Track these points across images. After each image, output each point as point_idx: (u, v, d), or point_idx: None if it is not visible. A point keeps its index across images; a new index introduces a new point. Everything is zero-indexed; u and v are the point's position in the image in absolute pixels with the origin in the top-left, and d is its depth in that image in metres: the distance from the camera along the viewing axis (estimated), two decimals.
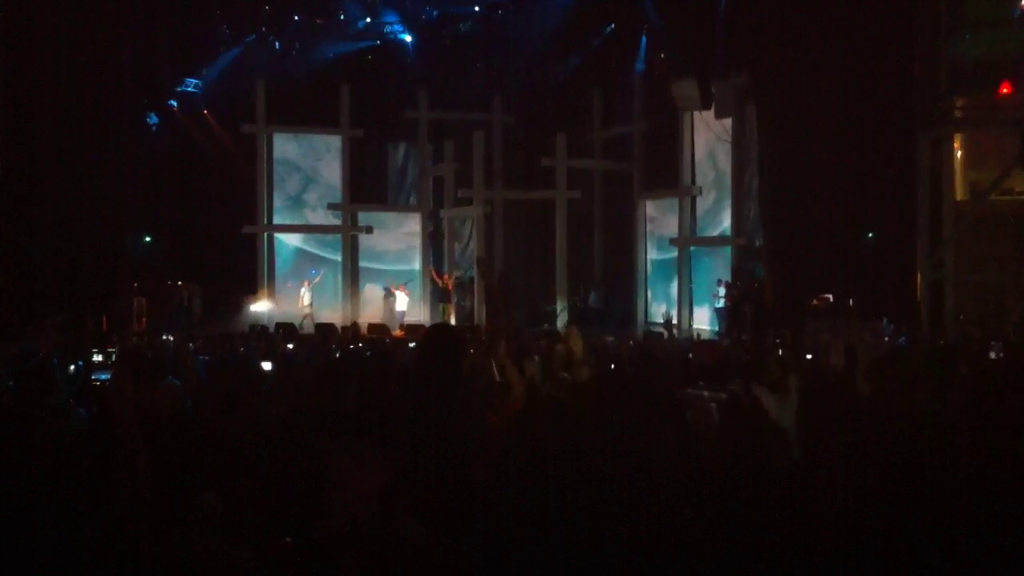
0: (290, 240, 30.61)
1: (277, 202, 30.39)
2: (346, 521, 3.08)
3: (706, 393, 7.07)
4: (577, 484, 3.98)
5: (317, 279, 29.20)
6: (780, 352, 13.66)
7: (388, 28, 31.32)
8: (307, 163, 30.67)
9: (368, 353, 14.56)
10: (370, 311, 29.11)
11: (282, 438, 5.27)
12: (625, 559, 3.42)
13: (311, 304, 28.30)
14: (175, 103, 29.91)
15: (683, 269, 27.79)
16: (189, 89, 30.04)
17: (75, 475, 4.22)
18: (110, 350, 10.15)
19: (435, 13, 30.76)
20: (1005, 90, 21.04)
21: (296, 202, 30.67)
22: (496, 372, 7.09)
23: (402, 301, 28.65)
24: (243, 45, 30.34)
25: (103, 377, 7.84)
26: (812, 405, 5.83)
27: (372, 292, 30.06)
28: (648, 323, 28.59)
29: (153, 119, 29.25)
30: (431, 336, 5.86)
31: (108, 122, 25.64)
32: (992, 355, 9.15)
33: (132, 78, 27.77)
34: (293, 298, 28.90)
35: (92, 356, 10.24)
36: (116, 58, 26.49)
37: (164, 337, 20.51)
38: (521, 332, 19.42)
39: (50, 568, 3.84)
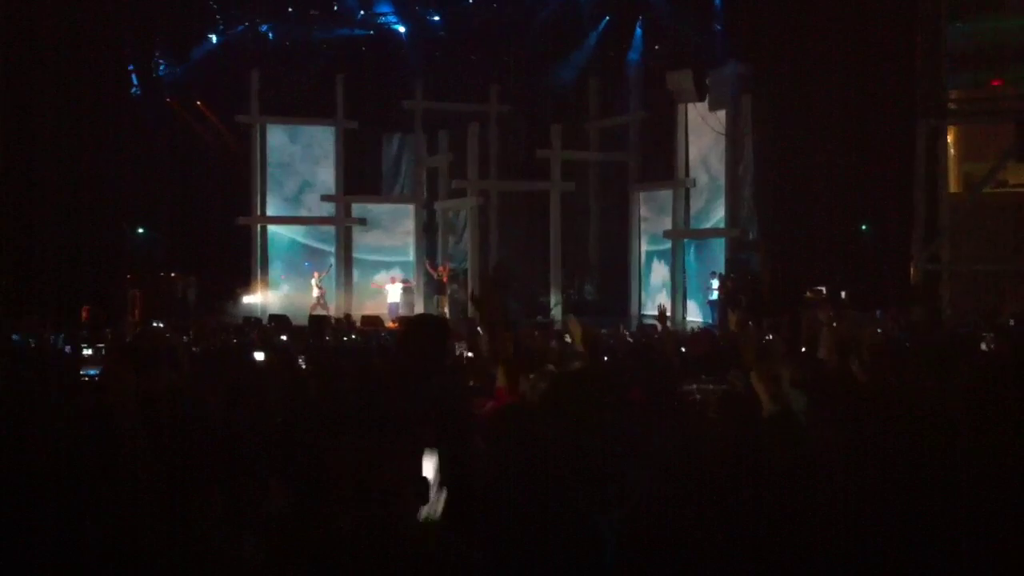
0: (294, 236, 30.59)
1: (274, 202, 30.33)
2: (350, 519, 3.06)
3: (711, 387, 7.04)
4: (574, 480, 3.97)
5: (325, 272, 29.28)
6: (764, 339, 13.67)
7: (383, 19, 31.26)
8: (305, 167, 30.61)
9: (363, 345, 14.58)
10: (374, 302, 28.96)
11: (283, 434, 5.25)
12: (625, 556, 3.41)
13: (321, 296, 28.42)
14: (167, 90, 29.81)
15: (676, 261, 27.83)
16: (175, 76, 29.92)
17: (71, 472, 4.20)
18: (99, 345, 10.05)
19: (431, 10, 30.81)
20: (996, 84, 21.08)
21: (295, 203, 30.62)
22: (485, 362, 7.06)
23: (395, 293, 28.61)
24: (231, 35, 30.24)
25: (91, 373, 7.79)
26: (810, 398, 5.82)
27: (377, 284, 29.90)
28: (642, 315, 28.63)
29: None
30: (412, 328, 5.79)
31: (105, 114, 25.56)
32: (984, 346, 9.13)
33: (129, 70, 27.76)
34: (302, 290, 29.03)
35: (81, 351, 10.14)
36: (116, 53, 26.46)
37: (155, 324, 20.52)
38: (517, 324, 19.42)
39: (50, 566, 3.83)
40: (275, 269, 30.03)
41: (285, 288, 29.60)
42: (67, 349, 12.87)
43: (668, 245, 28.22)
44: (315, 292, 28.56)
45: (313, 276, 28.98)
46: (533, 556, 3.58)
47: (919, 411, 4.13)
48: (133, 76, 28.45)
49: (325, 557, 3.10)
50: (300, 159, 30.65)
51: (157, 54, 29.68)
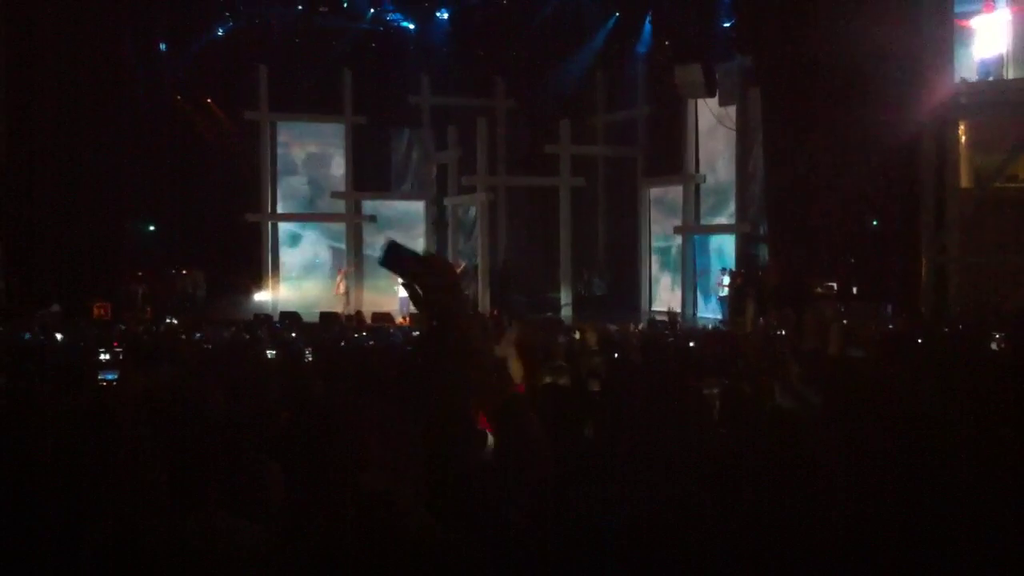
0: (304, 232, 30.77)
1: (283, 198, 30.47)
2: (347, 499, 3.06)
3: (715, 390, 7.03)
4: (577, 475, 3.97)
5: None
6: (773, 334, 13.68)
7: (390, 16, 31.30)
8: (314, 163, 30.71)
9: (371, 342, 14.61)
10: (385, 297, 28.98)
11: (288, 427, 5.28)
12: (626, 554, 3.41)
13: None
14: (174, 87, 29.82)
15: (687, 256, 27.80)
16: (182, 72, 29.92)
17: (73, 468, 4.22)
18: (117, 348, 10.02)
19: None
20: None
21: (304, 200, 30.77)
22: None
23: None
24: (238, 30, 30.26)
25: (110, 377, 7.79)
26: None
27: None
28: (652, 310, 28.60)
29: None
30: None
31: (110, 111, 25.61)
32: (993, 346, 9.09)
33: (134, 65, 27.78)
34: (316, 287, 29.19)
35: (99, 355, 10.04)
36: (121, 49, 26.51)
37: (168, 320, 20.62)
38: (524, 317, 19.43)
39: (51, 562, 3.85)
40: (291, 265, 30.27)
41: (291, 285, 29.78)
42: (58, 337, 12.87)
43: (678, 240, 28.18)
44: (341, 289, 28.73)
45: (339, 273, 29.15)
46: (532, 554, 3.58)
47: (923, 409, 4.12)
48: (140, 71, 28.44)
49: (326, 549, 3.10)
50: (309, 155, 30.73)
51: (162, 46, 29.67)
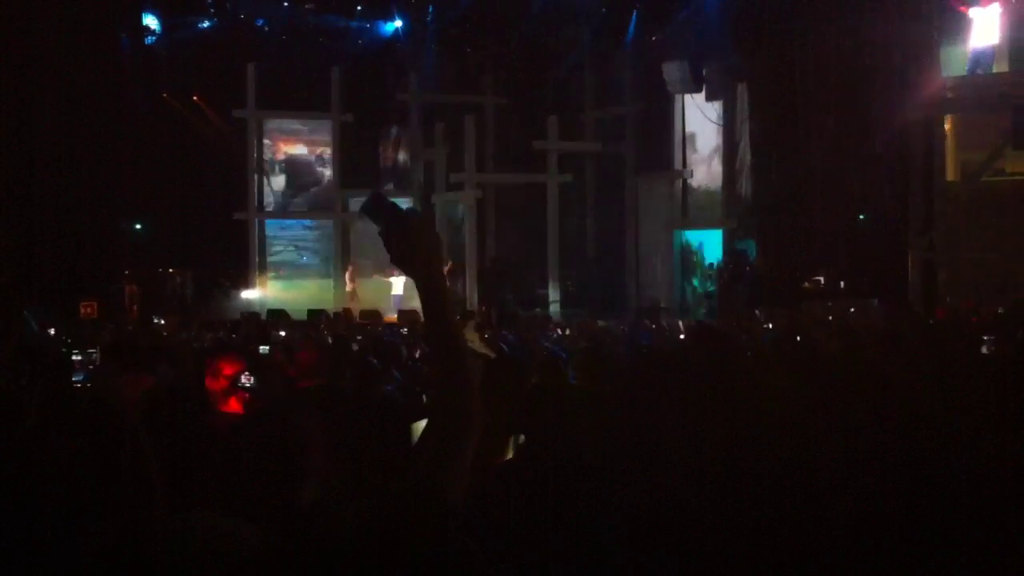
0: (294, 231, 30.81)
1: (271, 196, 30.49)
2: (351, 509, 3.06)
3: (704, 380, 7.03)
4: (577, 472, 3.97)
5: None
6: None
7: (378, 12, 31.22)
8: (305, 170, 30.78)
9: (359, 338, 14.57)
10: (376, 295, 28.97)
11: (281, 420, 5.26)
12: (626, 553, 3.42)
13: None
14: (163, 85, 29.69)
15: (674, 252, 27.85)
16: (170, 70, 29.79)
17: (72, 468, 4.20)
18: (90, 351, 9.83)
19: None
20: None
21: (292, 198, 30.81)
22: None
23: (398, 285, 28.54)
24: (226, 27, 30.15)
25: (81, 378, 7.73)
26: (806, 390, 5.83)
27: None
28: (640, 307, 28.63)
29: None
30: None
31: (100, 109, 25.48)
32: (984, 349, 9.06)
33: (131, 67, 27.70)
34: (306, 285, 29.22)
35: (71, 355, 9.78)
36: (113, 47, 26.43)
37: (156, 320, 20.57)
38: (516, 317, 19.48)
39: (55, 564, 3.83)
40: (279, 263, 30.29)
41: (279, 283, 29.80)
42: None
43: (666, 237, 28.22)
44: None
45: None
46: (535, 551, 3.58)
47: (919, 409, 4.13)
48: (132, 69, 28.31)
49: (327, 549, 3.10)
50: (296, 153, 30.71)
51: (149, 40, 29.53)
